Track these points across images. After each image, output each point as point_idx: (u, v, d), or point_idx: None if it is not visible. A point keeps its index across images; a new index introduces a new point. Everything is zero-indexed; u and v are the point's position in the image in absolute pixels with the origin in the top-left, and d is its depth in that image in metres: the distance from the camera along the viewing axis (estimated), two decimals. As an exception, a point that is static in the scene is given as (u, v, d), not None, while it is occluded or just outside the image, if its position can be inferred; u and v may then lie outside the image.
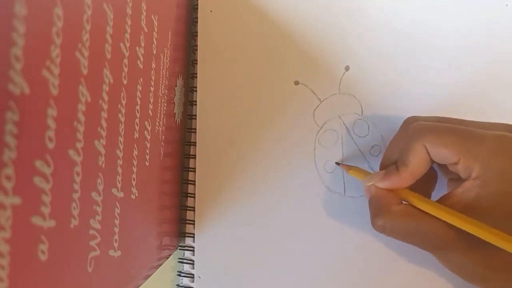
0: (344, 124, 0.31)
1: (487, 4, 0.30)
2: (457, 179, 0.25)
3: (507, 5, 0.30)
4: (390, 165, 0.26)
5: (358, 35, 0.31)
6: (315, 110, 0.31)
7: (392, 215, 0.24)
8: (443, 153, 0.23)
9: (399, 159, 0.25)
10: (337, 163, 0.31)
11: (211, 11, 0.32)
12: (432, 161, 0.24)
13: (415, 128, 0.24)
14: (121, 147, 0.20)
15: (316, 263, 0.31)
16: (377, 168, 0.31)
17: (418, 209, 0.24)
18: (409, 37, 0.30)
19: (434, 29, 0.30)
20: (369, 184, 0.26)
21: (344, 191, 0.31)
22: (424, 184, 0.26)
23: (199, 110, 0.32)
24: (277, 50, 0.31)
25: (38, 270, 0.14)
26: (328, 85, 0.31)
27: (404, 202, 0.25)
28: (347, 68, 0.31)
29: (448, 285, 0.30)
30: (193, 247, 0.32)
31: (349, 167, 0.29)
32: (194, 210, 0.32)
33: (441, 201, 0.24)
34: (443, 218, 0.23)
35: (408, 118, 0.27)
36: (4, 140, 0.12)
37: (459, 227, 0.22)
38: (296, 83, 0.31)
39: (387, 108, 0.30)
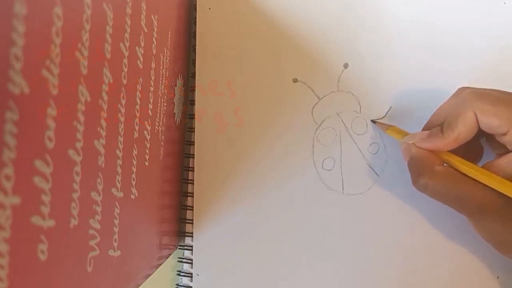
0: (342, 121, 0.31)
1: (486, 3, 0.30)
2: (504, 154, 0.25)
3: (505, 3, 0.30)
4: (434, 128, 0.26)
5: (357, 33, 0.31)
6: (313, 107, 0.31)
7: (435, 175, 0.24)
8: (493, 123, 0.23)
9: (445, 122, 0.25)
10: (373, 121, 0.30)
11: (209, 8, 0.32)
12: (479, 130, 0.24)
13: (469, 94, 0.24)
14: (121, 147, 0.20)
15: (313, 261, 0.31)
16: (377, 167, 0.31)
17: (459, 172, 0.24)
18: (408, 35, 0.30)
19: (433, 27, 0.30)
20: (410, 142, 0.26)
21: (343, 189, 0.31)
22: (469, 157, 0.25)
23: (197, 108, 0.32)
24: (275, 47, 0.31)
25: (38, 270, 0.14)
26: (326, 82, 0.31)
27: (445, 164, 0.25)
28: (345, 66, 0.31)
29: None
30: (192, 246, 0.32)
31: (386, 126, 0.29)
32: (193, 210, 0.32)
33: (484, 167, 0.24)
34: (482, 181, 0.23)
35: (463, 87, 0.26)
36: (4, 140, 0.12)
37: (497, 190, 0.22)
38: (295, 80, 0.31)
39: (386, 106, 0.31)
